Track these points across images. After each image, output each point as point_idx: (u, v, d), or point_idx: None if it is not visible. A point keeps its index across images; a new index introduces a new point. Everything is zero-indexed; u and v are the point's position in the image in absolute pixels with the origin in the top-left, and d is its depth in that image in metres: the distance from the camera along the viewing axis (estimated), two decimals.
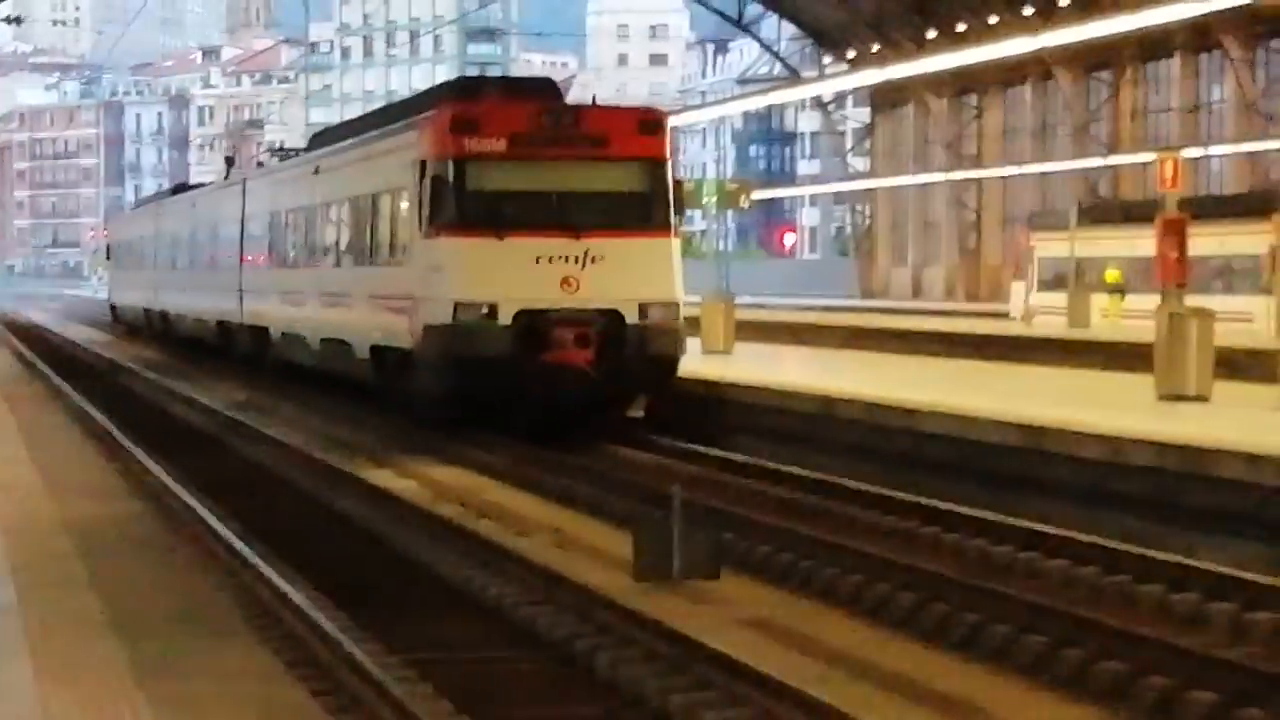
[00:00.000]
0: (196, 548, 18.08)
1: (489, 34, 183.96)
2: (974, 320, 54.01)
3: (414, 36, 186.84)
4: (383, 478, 24.00)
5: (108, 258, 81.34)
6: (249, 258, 44.40)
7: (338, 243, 35.03)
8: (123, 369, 49.13)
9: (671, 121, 30.99)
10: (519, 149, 27.02)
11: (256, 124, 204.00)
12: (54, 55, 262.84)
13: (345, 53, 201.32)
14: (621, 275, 26.59)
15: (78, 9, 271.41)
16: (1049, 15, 67.81)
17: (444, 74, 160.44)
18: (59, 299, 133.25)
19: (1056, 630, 13.74)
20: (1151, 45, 69.76)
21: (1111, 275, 52.91)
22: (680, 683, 12.43)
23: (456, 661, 13.28)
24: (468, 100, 28.87)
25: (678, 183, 28.35)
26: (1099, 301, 51.06)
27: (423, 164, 27.55)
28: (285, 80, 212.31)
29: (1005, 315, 56.25)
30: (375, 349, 30.36)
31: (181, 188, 66.92)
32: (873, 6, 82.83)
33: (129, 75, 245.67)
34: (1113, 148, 72.81)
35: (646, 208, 27.41)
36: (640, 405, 27.61)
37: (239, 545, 17.34)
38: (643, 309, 26.58)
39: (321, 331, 35.14)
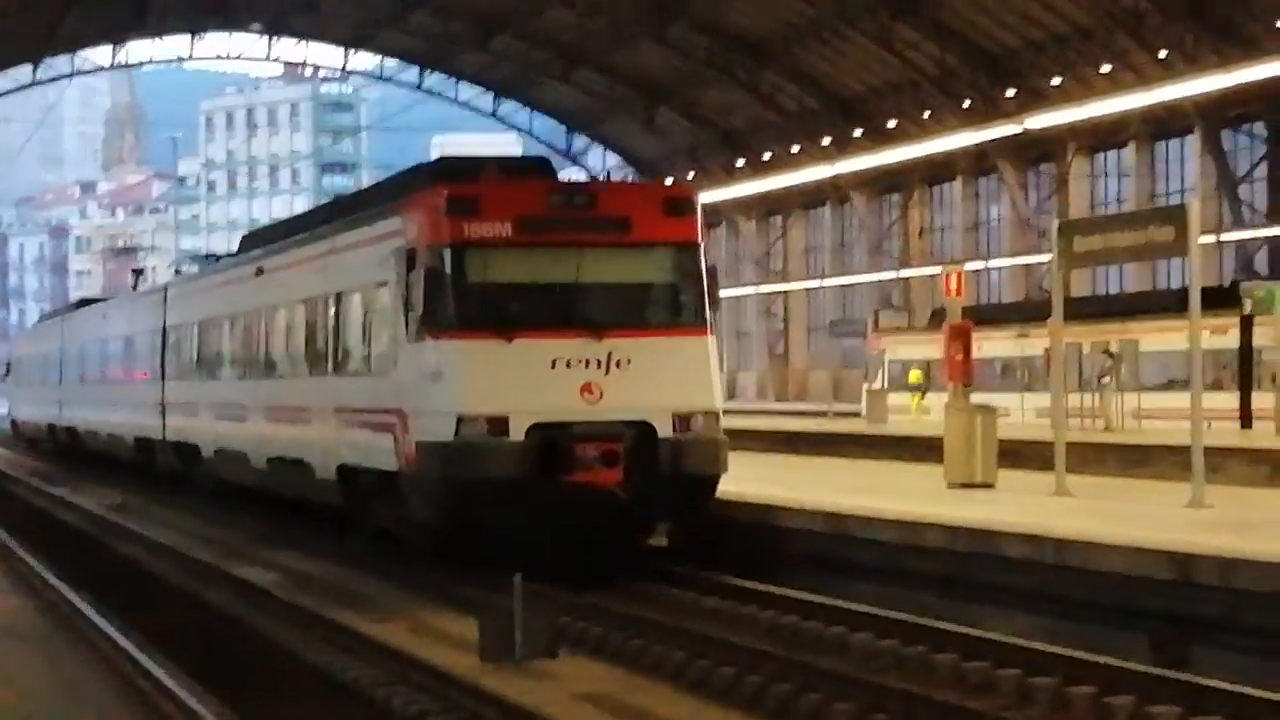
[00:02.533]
0: (73, 637, 17.80)
1: (342, 167, 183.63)
2: (795, 419, 54.23)
3: (273, 170, 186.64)
4: (251, 572, 23.63)
5: (6, 374, 74.98)
6: (172, 370, 37.72)
7: (288, 351, 28.56)
8: (6, 476, 48.51)
9: None
10: (527, 234, 21.21)
11: (130, 251, 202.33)
12: None
13: (211, 185, 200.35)
14: (652, 381, 20.90)
15: None
16: (844, 145, 68.79)
17: (301, 204, 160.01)
18: None
19: (862, 698, 13.76)
20: (936, 170, 70.73)
21: (914, 375, 53.52)
22: None
23: None
24: (463, 179, 22.32)
25: (711, 271, 22.26)
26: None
27: (409, 254, 21.63)
28: (156, 210, 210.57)
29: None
30: (345, 470, 24.45)
31: (86, 302, 60.20)
32: (688, 139, 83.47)
33: (12, 208, 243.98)
34: (904, 262, 73.70)
35: (677, 301, 21.87)
36: (664, 532, 21.47)
37: (116, 636, 17.11)
38: (678, 420, 20.93)
39: (268, 449, 28.91)
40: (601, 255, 21.60)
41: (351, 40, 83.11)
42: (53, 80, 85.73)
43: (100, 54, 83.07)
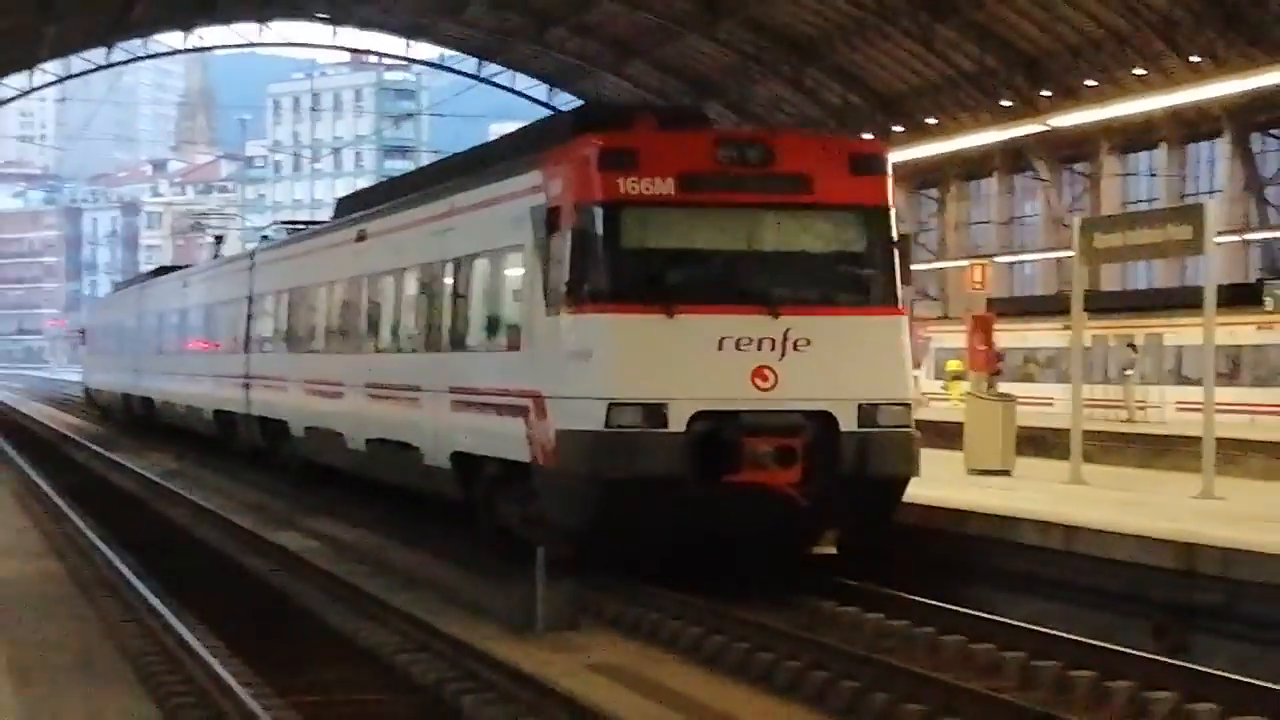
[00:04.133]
0: (114, 602, 17.70)
1: (403, 151, 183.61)
2: None
3: (336, 152, 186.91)
4: (290, 538, 23.59)
5: (82, 342, 72.25)
6: (259, 340, 34.09)
7: (396, 323, 24.50)
8: (70, 440, 48.61)
9: None
10: (692, 192, 17.29)
11: (199, 228, 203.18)
12: (21, 166, 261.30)
13: (277, 166, 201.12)
14: (834, 366, 17.11)
15: (43, 126, 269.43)
16: (884, 140, 68.48)
17: (364, 185, 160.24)
18: (22, 379, 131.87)
19: (870, 675, 13.54)
20: (972, 166, 70.42)
21: (952, 364, 53.40)
22: None
23: (338, 703, 12.96)
24: (617, 129, 18.22)
25: (903, 240, 18.50)
26: None
27: (551, 213, 17.88)
28: (224, 190, 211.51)
29: None
30: (461, 458, 20.93)
31: (164, 269, 56.78)
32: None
33: (87, 185, 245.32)
34: (940, 254, 73.38)
35: (865, 274, 17.82)
36: (833, 538, 17.87)
37: (151, 599, 17.03)
38: (864, 411, 17.10)
39: (367, 430, 25.12)
40: (778, 219, 17.70)
41: (411, 30, 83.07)
42: (125, 62, 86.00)
43: (173, 38, 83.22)
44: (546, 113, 73.70)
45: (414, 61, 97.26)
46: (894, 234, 17.99)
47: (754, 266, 17.60)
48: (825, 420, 16.99)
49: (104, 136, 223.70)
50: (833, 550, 17.74)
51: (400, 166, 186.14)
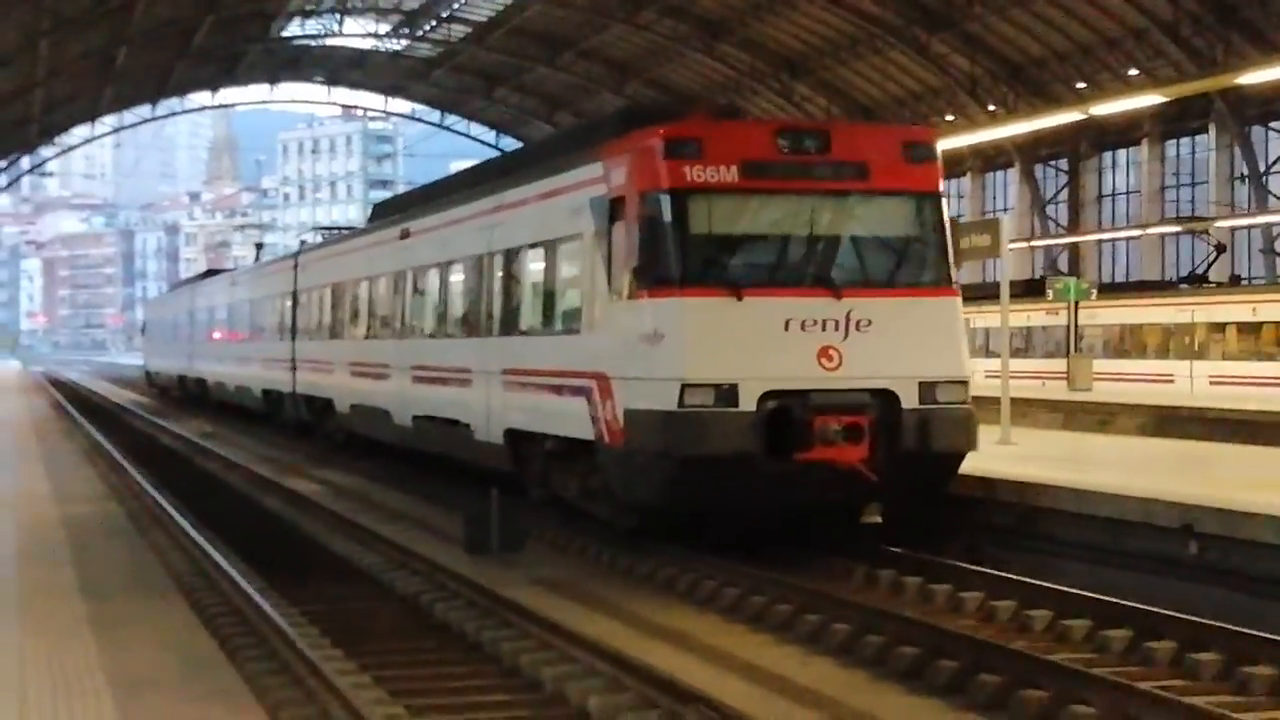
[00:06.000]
0: (161, 533, 17.51)
1: (383, 183, 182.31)
2: None
3: (331, 185, 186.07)
4: (300, 484, 23.40)
5: (143, 333, 67.74)
6: (304, 328, 31.24)
7: (443, 311, 21.45)
8: (127, 410, 48.08)
9: None
10: (756, 179, 14.68)
11: (225, 245, 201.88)
12: (86, 198, 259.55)
13: (285, 196, 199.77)
14: (895, 345, 14.53)
15: (103, 166, 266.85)
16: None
17: (355, 211, 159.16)
18: (89, 363, 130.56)
19: (723, 576, 13.49)
20: (950, 165, 69.52)
21: None
22: (489, 622, 12.11)
23: (336, 611, 12.80)
24: (679, 120, 15.61)
25: (953, 224, 15.90)
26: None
27: (614, 203, 15.18)
28: (244, 214, 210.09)
29: None
30: (514, 434, 17.98)
31: (212, 272, 53.95)
32: None
33: (138, 212, 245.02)
34: None
35: (922, 256, 15.18)
36: (877, 508, 15.09)
37: (191, 531, 16.87)
38: (924, 389, 14.51)
39: (415, 408, 22.13)
40: (838, 204, 15.01)
41: (390, 90, 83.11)
42: (166, 116, 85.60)
43: (202, 97, 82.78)
44: (495, 153, 73.29)
45: (391, 114, 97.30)
46: (946, 218, 15.35)
47: (816, 251, 14.88)
48: (888, 398, 14.36)
49: (151, 174, 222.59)
50: (878, 519, 15.01)
51: (382, 196, 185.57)
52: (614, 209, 15.17)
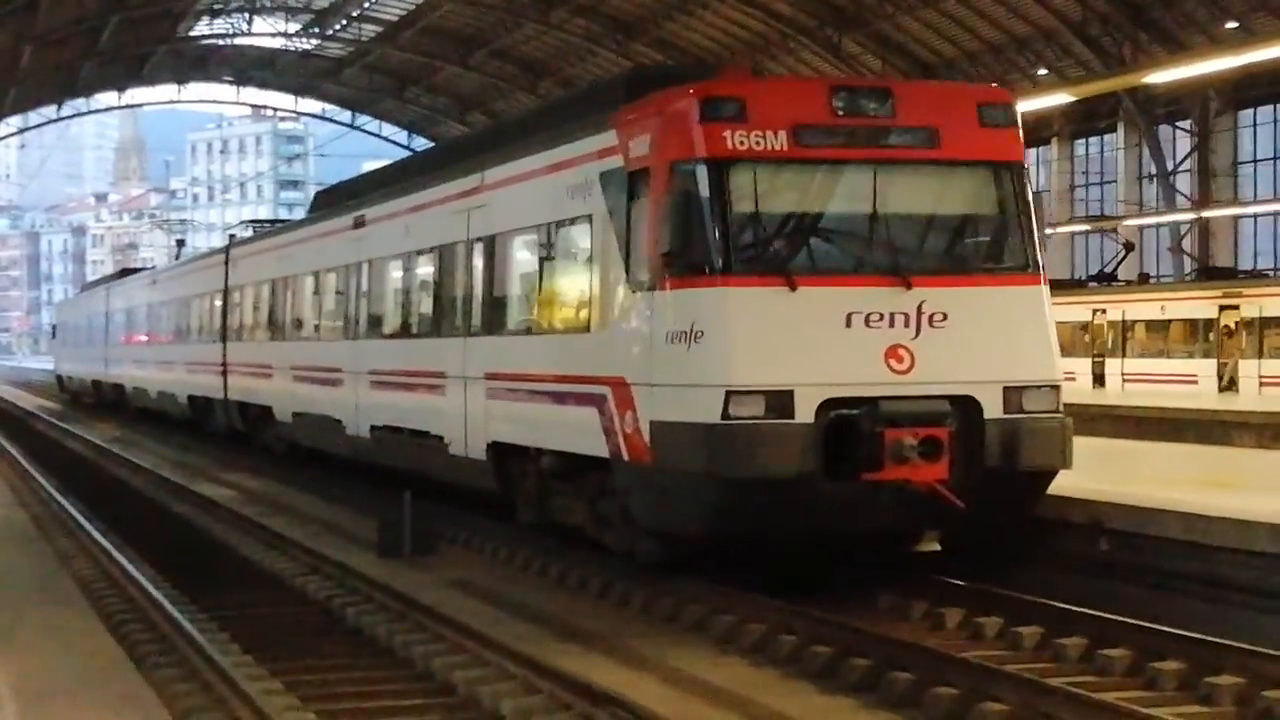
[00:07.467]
0: (68, 540, 17.28)
1: (294, 184, 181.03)
2: None
3: (241, 185, 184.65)
4: (209, 489, 23.18)
5: (53, 336, 64.59)
6: (237, 330, 28.62)
7: (407, 308, 19.08)
8: (35, 415, 47.43)
9: None
10: (809, 147, 12.14)
11: (134, 246, 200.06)
12: None
13: (195, 197, 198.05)
14: (976, 343, 12.09)
15: (8, 166, 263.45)
16: None
17: (265, 211, 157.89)
18: None
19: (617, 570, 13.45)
20: None
21: None
22: (401, 626, 12.03)
23: (247, 616, 12.71)
24: (716, 79, 13.15)
25: (1037, 199, 13.02)
26: None
27: (634, 176, 12.62)
28: (153, 216, 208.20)
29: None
30: (501, 448, 15.50)
31: (128, 271, 51.10)
32: None
33: (44, 213, 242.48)
34: None
35: (1002, 238, 12.72)
36: (936, 535, 12.77)
37: (98, 536, 16.68)
38: (1010, 395, 12.07)
39: (373, 418, 19.69)
40: (905, 176, 12.50)
41: (300, 89, 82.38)
42: (72, 116, 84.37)
43: (109, 97, 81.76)
44: (407, 153, 72.80)
45: (302, 114, 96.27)
46: (1029, 193, 12.87)
47: (882, 231, 12.29)
48: (970, 406, 11.95)
49: (56, 175, 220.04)
50: (936, 547, 12.85)
51: (293, 197, 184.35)
52: (633, 184, 12.65)
